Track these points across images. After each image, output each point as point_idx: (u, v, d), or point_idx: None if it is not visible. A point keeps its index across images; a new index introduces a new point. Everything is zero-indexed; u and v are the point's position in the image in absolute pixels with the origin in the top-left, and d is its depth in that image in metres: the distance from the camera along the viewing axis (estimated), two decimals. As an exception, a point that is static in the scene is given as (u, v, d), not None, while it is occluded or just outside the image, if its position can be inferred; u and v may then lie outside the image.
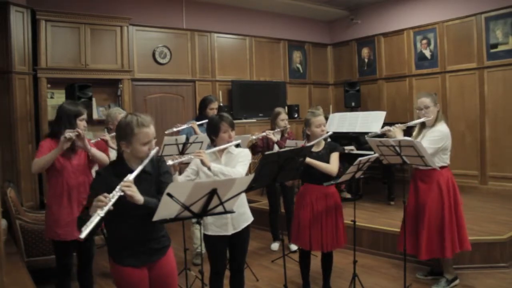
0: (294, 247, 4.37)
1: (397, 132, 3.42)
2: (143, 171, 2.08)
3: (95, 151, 2.98)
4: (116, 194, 1.87)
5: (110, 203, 1.82)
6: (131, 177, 1.96)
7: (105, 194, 1.84)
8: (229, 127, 2.76)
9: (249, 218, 2.85)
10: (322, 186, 3.20)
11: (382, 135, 3.46)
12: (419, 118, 3.46)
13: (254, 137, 4.42)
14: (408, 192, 3.51)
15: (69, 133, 2.75)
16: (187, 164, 2.87)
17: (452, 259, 3.49)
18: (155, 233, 2.16)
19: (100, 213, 1.77)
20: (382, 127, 5.55)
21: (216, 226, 2.72)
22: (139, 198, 1.95)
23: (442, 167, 3.38)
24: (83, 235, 1.72)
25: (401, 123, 3.57)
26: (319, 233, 3.22)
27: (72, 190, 2.91)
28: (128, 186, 1.91)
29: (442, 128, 3.38)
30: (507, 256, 3.88)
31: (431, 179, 3.38)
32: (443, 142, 3.33)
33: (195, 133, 4.19)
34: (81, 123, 2.98)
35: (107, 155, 3.19)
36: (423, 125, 3.50)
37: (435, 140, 3.31)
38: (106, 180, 2.05)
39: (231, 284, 2.90)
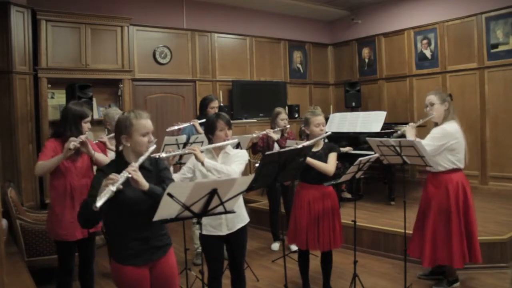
0: (294, 247, 4.36)
1: (408, 131, 3.35)
2: (143, 168, 2.11)
3: (98, 155, 2.98)
4: (124, 174, 1.92)
5: (120, 181, 1.87)
6: (136, 164, 2.01)
7: (114, 174, 1.90)
8: (225, 125, 2.76)
9: (244, 219, 2.84)
10: (319, 185, 3.21)
11: (403, 135, 3.41)
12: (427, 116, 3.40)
13: (254, 135, 4.43)
14: (408, 192, 3.49)
15: (73, 143, 2.75)
16: (184, 164, 2.89)
17: None
18: (156, 231, 2.17)
19: (112, 188, 1.83)
20: (382, 128, 5.64)
21: (211, 226, 2.72)
22: (145, 183, 1.99)
23: (452, 170, 3.28)
24: (98, 203, 1.76)
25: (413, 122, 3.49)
26: (315, 233, 3.23)
27: (75, 192, 2.92)
28: (134, 170, 1.97)
29: (447, 127, 3.27)
30: (507, 256, 3.87)
31: (440, 183, 3.30)
32: (445, 140, 3.22)
33: (197, 130, 4.20)
34: (86, 125, 3.00)
35: (106, 156, 3.18)
36: (436, 124, 3.40)
37: (435, 137, 3.25)
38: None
39: (232, 284, 2.89)
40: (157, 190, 2.03)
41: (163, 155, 2.41)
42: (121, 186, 1.88)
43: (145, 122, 2.14)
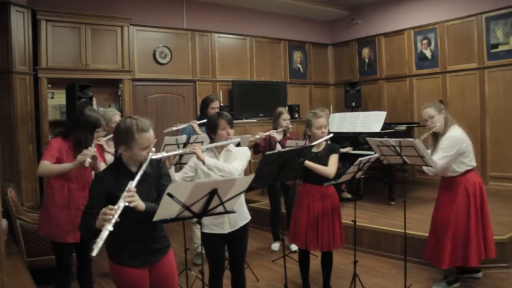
0: (294, 247, 4.36)
1: None
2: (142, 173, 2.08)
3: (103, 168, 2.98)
4: (121, 205, 1.86)
5: (117, 215, 1.81)
6: (132, 185, 1.95)
7: (110, 206, 1.83)
8: (227, 124, 2.75)
9: (247, 217, 2.84)
10: (320, 186, 3.20)
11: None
12: (429, 129, 3.41)
13: (258, 136, 4.41)
14: (408, 192, 3.48)
15: (89, 160, 2.68)
16: (184, 164, 2.88)
17: None
18: (156, 233, 2.17)
19: (109, 227, 1.76)
20: (382, 128, 5.64)
21: (213, 224, 2.72)
22: (142, 206, 1.96)
23: (467, 171, 3.32)
24: (94, 253, 1.71)
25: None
26: (315, 233, 3.23)
27: (72, 194, 2.90)
28: (131, 196, 1.91)
29: (452, 134, 3.30)
30: (507, 256, 3.87)
31: (457, 186, 3.31)
32: (456, 147, 3.24)
33: (195, 131, 4.19)
34: (97, 134, 2.99)
35: (104, 159, 3.17)
36: (437, 135, 3.41)
37: (446, 148, 3.25)
38: (106, 183, 2.05)
39: (232, 284, 2.89)
40: (154, 209, 1.97)
41: (164, 154, 2.38)
42: (118, 219, 1.80)
43: (148, 136, 2.07)
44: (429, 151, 3.34)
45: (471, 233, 3.24)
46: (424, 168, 3.34)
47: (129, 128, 2.05)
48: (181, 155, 3.43)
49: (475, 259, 3.23)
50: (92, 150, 2.76)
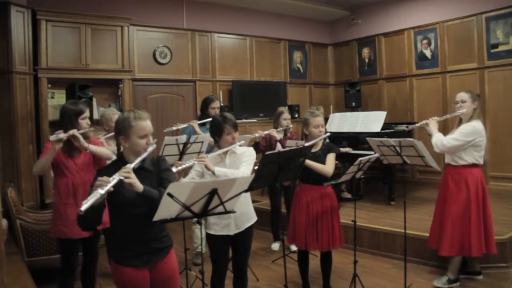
0: (294, 247, 4.35)
1: (432, 124, 3.46)
2: (143, 169, 2.10)
3: (93, 147, 2.99)
4: (115, 177, 1.89)
5: (111, 184, 1.84)
6: (130, 166, 1.98)
7: (106, 177, 1.87)
8: (232, 129, 2.74)
9: (252, 218, 2.84)
10: (318, 186, 3.20)
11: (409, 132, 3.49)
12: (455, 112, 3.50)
13: (257, 135, 4.42)
14: (408, 192, 3.50)
15: (55, 136, 2.76)
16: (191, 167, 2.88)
17: (460, 261, 3.49)
18: (156, 233, 2.16)
19: (101, 191, 1.79)
20: (382, 128, 5.64)
21: (219, 226, 2.71)
22: (139, 185, 1.96)
23: (473, 165, 3.40)
24: (83, 207, 1.72)
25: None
26: (314, 233, 3.22)
27: (77, 189, 2.94)
28: (127, 172, 1.93)
29: (475, 124, 3.38)
30: (507, 256, 3.87)
31: (460, 176, 3.41)
32: (473, 136, 3.34)
33: (195, 131, 4.19)
34: (84, 122, 3.01)
35: (104, 147, 3.20)
36: (460, 121, 3.51)
37: (465, 133, 3.34)
38: None
39: (234, 284, 2.89)
40: (152, 193, 1.99)
41: (173, 169, 2.40)
42: (112, 189, 1.84)
43: (144, 124, 2.10)
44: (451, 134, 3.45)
45: (472, 223, 3.32)
46: (433, 141, 3.43)
47: (126, 118, 2.09)
48: (180, 155, 3.45)
49: (476, 250, 3.31)
50: (71, 132, 2.82)
